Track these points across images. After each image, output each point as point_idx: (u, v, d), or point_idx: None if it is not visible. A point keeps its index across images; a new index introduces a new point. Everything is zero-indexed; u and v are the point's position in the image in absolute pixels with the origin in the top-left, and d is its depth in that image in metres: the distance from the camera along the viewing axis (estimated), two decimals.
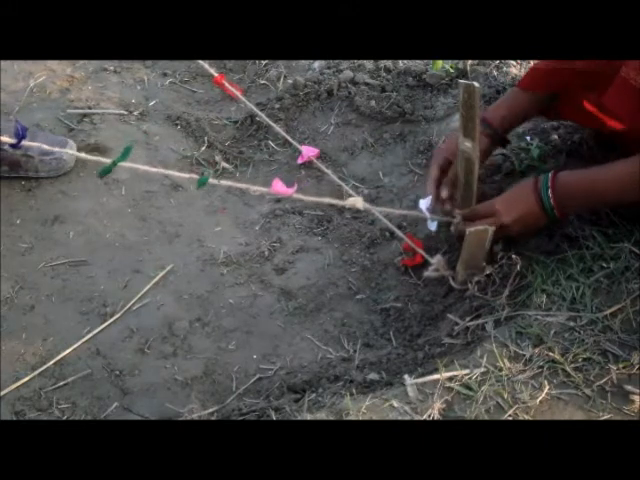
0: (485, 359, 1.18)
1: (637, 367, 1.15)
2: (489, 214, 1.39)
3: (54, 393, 1.39)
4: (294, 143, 1.52)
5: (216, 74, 1.36)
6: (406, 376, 1.19)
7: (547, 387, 1.13)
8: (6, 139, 1.11)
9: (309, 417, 1.13)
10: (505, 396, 1.12)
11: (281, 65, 2.14)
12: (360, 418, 1.10)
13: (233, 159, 1.93)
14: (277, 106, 1.97)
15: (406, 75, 1.96)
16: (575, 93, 1.38)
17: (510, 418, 1.09)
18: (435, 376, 1.17)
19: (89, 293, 1.57)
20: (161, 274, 1.61)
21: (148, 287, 1.58)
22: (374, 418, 1.10)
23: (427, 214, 1.53)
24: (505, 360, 1.18)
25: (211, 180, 1.23)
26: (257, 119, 1.97)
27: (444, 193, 1.48)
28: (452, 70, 1.92)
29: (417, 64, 1.98)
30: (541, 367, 1.16)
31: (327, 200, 1.42)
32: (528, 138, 1.67)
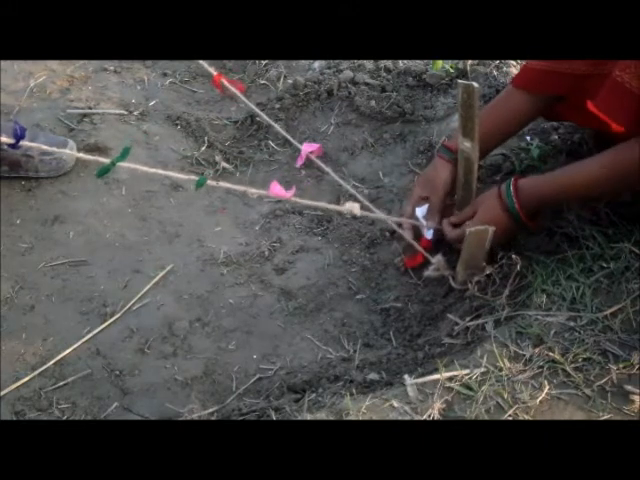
0: (485, 359, 1.18)
1: (637, 367, 1.15)
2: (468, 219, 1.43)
3: (54, 393, 1.39)
4: (294, 142, 1.52)
5: (215, 74, 1.36)
6: (406, 376, 1.19)
7: (547, 387, 1.13)
8: (5, 139, 1.11)
9: (309, 417, 1.13)
10: (505, 396, 1.12)
11: (281, 65, 2.14)
12: (360, 418, 1.10)
13: (233, 159, 1.93)
14: (277, 106, 1.97)
15: (406, 75, 1.96)
16: (575, 95, 1.38)
17: (510, 418, 1.09)
18: (435, 376, 1.17)
19: (89, 293, 1.57)
20: (161, 274, 1.61)
21: (148, 287, 1.58)
22: (374, 418, 1.10)
23: (424, 222, 1.53)
24: (505, 360, 1.18)
25: (209, 182, 1.23)
26: (257, 119, 1.97)
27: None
28: (452, 70, 1.92)
29: (417, 64, 1.98)
30: (541, 367, 1.16)
31: (323, 205, 1.44)
32: (528, 138, 1.67)
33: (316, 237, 1.71)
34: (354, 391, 1.23)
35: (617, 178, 1.29)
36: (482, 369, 1.17)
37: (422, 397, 1.14)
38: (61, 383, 1.41)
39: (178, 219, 1.76)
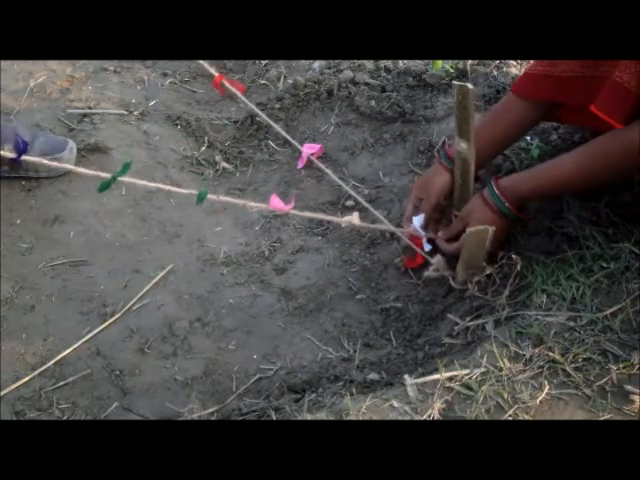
0: (485, 359, 1.18)
1: (637, 367, 1.15)
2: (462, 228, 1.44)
3: (54, 393, 1.39)
4: (294, 143, 1.52)
5: (216, 74, 1.36)
6: (406, 376, 1.19)
7: (547, 387, 1.13)
8: (7, 154, 1.10)
9: (309, 417, 1.13)
10: (505, 396, 1.12)
11: (281, 65, 2.14)
12: (360, 418, 1.10)
13: (233, 159, 1.93)
14: (277, 106, 1.97)
15: (406, 75, 1.96)
16: (572, 98, 1.38)
17: (510, 418, 1.09)
18: (435, 376, 1.17)
19: (89, 293, 1.57)
20: (161, 274, 1.61)
21: (148, 287, 1.58)
22: (374, 418, 1.10)
23: (421, 232, 1.53)
24: (505, 360, 1.18)
25: (210, 196, 1.24)
26: (257, 119, 1.97)
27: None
28: (452, 70, 1.92)
29: (417, 64, 1.98)
30: (541, 367, 1.16)
31: (322, 216, 1.47)
32: (528, 138, 1.67)
33: (316, 237, 1.71)
34: (354, 391, 1.23)
35: (599, 164, 1.31)
36: (482, 369, 1.17)
37: (422, 397, 1.14)
38: (61, 383, 1.41)
39: (178, 219, 1.76)
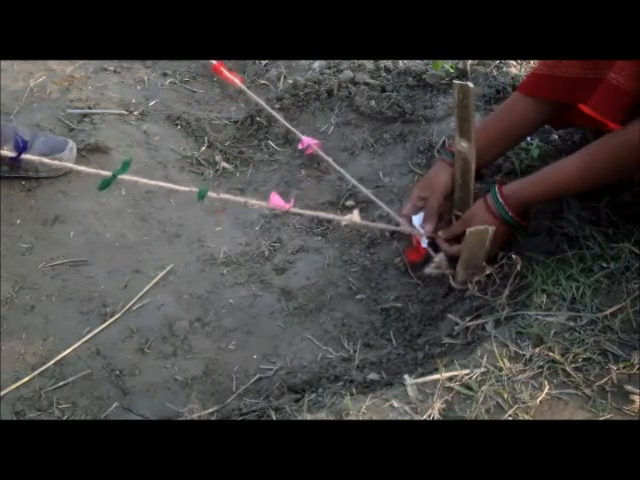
0: (485, 359, 1.18)
1: (637, 367, 1.15)
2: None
3: (54, 393, 1.39)
4: (294, 131, 1.52)
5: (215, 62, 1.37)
6: (406, 376, 1.19)
7: (547, 387, 1.13)
8: (6, 153, 1.10)
9: (309, 417, 1.13)
10: (505, 396, 1.12)
11: (281, 65, 2.14)
12: (360, 418, 1.10)
13: (233, 159, 1.93)
14: (277, 106, 1.97)
15: (406, 75, 1.96)
16: (575, 98, 1.38)
17: (510, 418, 1.09)
18: (435, 376, 1.17)
19: (89, 293, 1.57)
20: (161, 274, 1.61)
21: (148, 287, 1.58)
22: (374, 418, 1.10)
23: (420, 230, 1.53)
24: (505, 360, 1.18)
25: (210, 194, 1.23)
26: (257, 119, 1.98)
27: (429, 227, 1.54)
28: (452, 70, 1.92)
29: (417, 64, 1.98)
30: (541, 367, 1.16)
31: (323, 215, 1.47)
32: (528, 138, 1.67)
33: (316, 237, 1.71)
34: (354, 391, 1.23)
35: (601, 166, 1.32)
36: (482, 369, 1.17)
37: (422, 397, 1.14)
38: (61, 383, 1.41)
39: (178, 219, 1.76)
